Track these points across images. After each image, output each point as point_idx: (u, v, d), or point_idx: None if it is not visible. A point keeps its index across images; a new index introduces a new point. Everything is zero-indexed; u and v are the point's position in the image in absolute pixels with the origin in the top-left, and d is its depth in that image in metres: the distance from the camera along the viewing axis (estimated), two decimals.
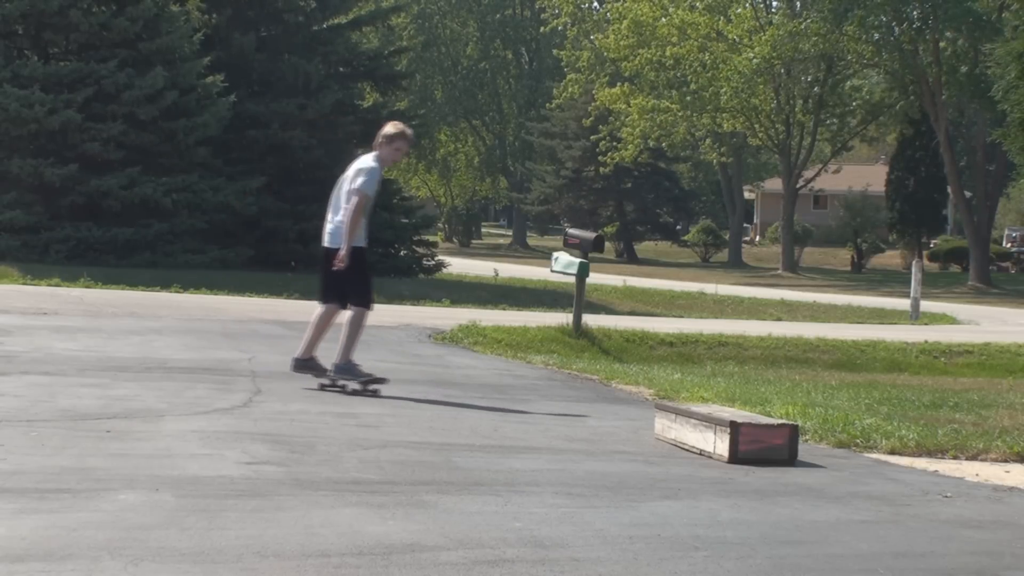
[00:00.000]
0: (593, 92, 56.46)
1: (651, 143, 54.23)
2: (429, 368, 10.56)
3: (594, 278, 19.10)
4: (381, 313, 16.95)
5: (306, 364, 8.60)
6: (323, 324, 8.64)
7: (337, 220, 8.53)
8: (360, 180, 8.48)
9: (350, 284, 8.57)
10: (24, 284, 18.11)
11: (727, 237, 62.33)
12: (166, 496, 4.75)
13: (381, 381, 8.55)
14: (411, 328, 14.19)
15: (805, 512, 5.30)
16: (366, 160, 8.70)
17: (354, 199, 8.41)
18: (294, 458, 5.74)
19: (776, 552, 4.54)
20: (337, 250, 8.44)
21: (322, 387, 8.52)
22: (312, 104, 28.30)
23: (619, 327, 15.66)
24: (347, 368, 8.50)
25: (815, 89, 51.79)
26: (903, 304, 25.96)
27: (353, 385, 8.47)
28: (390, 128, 8.86)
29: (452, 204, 77.05)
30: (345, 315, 8.61)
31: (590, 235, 15.04)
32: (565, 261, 14.69)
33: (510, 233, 79.40)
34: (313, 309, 8.81)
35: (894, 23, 44.49)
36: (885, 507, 5.48)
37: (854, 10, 41.86)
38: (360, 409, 7.63)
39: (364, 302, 8.61)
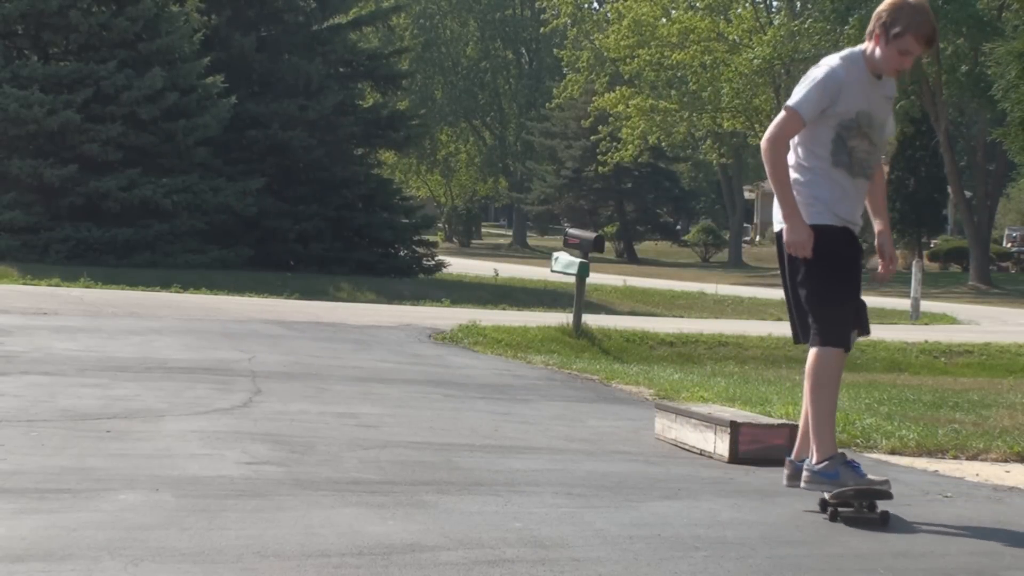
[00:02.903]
0: (593, 94, 56.47)
1: (651, 142, 54.19)
2: (429, 368, 10.55)
3: (594, 278, 19.09)
4: (381, 313, 16.99)
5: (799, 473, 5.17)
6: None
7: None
8: (796, 91, 5.06)
9: (801, 294, 5.08)
10: (24, 284, 18.12)
11: (727, 237, 62.28)
12: (166, 496, 4.75)
13: (882, 493, 5.02)
14: (411, 328, 14.18)
15: (805, 512, 5.30)
16: (829, 58, 5.13)
17: (776, 121, 5.03)
18: (294, 458, 5.73)
19: (776, 552, 4.54)
20: (780, 233, 5.07)
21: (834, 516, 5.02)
22: (312, 104, 28.31)
23: (619, 327, 15.65)
24: (825, 471, 4.99)
25: None
26: (903, 304, 25.96)
27: (839, 498, 4.99)
28: (895, 8, 4.99)
29: (452, 204, 77.03)
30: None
31: (590, 235, 15.02)
32: (565, 261, 14.68)
33: (510, 233, 79.36)
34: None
35: None
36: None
37: (856, 10, 41.86)
38: (360, 409, 7.63)
39: (824, 333, 4.99)
